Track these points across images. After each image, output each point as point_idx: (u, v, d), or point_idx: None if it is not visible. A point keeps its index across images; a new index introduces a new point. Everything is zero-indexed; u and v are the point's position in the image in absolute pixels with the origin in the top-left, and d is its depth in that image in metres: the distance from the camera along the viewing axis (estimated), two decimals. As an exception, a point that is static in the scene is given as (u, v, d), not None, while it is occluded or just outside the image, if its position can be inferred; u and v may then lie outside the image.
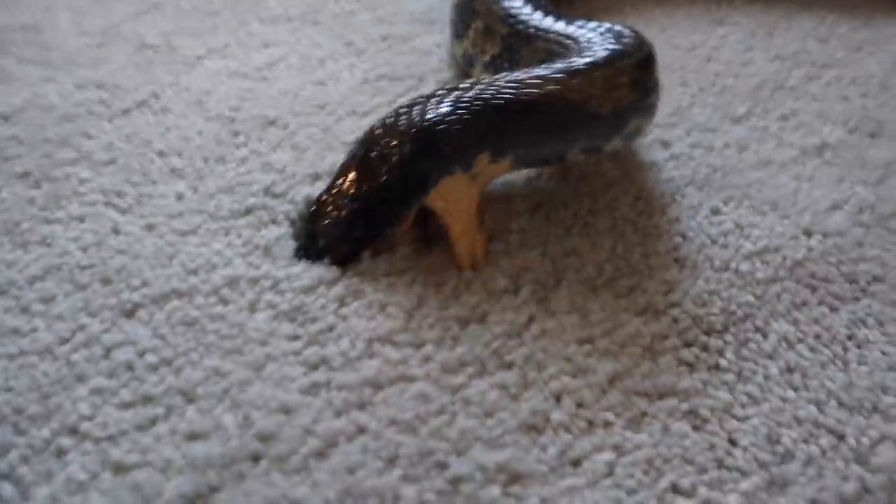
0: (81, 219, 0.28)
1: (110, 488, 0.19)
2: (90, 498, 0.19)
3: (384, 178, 0.25)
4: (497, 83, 0.26)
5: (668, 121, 0.34)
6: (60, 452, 0.20)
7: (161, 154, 0.32)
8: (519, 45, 0.34)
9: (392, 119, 0.26)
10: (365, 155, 0.26)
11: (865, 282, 0.27)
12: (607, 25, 0.33)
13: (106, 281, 0.25)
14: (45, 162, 0.31)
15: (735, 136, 0.34)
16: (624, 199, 0.30)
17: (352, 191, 0.25)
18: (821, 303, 0.26)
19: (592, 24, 0.33)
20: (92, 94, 0.36)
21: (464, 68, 0.39)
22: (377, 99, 0.36)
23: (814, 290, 0.26)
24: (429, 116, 0.25)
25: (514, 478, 0.20)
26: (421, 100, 0.26)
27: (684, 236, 0.28)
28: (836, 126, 0.35)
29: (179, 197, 0.29)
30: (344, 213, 0.25)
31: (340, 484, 0.19)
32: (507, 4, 0.36)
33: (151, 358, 0.23)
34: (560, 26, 0.33)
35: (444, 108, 0.25)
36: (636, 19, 0.44)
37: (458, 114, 0.25)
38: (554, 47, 0.32)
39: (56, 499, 0.19)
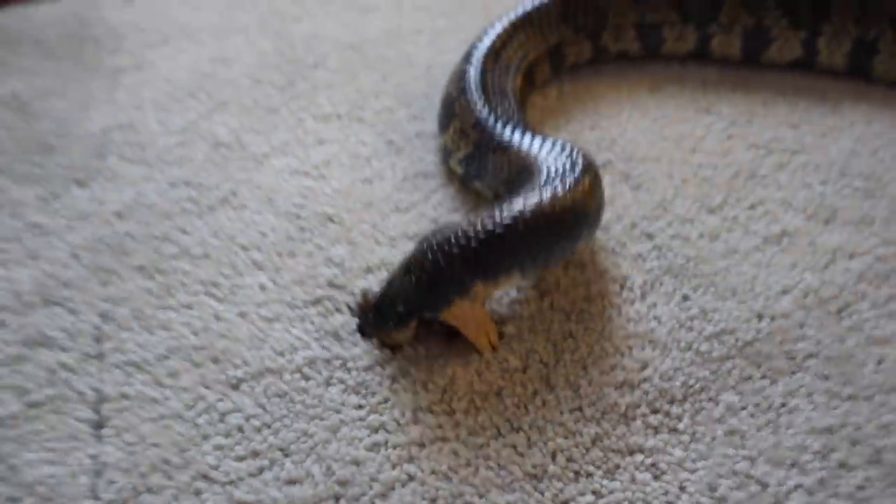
0: (189, 306, 0.37)
1: None
2: None
3: (407, 295, 0.33)
4: (495, 218, 0.34)
5: (654, 213, 0.42)
6: (198, 492, 0.29)
7: (244, 248, 0.41)
8: (487, 151, 0.42)
9: (419, 253, 0.34)
10: (401, 275, 0.34)
11: (801, 358, 0.34)
12: (555, 140, 0.41)
13: (215, 360, 0.34)
14: (155, 256, 0.41)
15: (709, 227, 0.42)
16: (612, 287, 0.38)
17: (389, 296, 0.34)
18: (763, 377, 0.33)
19: (547, 141, 0.41)
20: (182, 191, 0.46)
21: (444, 159, 0.47)
22: (415, 195, 0.44)
23: (758, 366, 0.34)
24: (433, 258, 0.33)
25: None
26: (436, 239, 0.34)
27: (659, 320, 0.36)
28: (797, 213, 0.43)
29: (262, 288, 0.38)
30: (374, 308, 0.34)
31: None
32: (480, 112, 0.44)
33: (255, 422, 0.32)
34: (522, 141, 0.41)
35: (446, 252, 0.33)
36: (632, 111, 0.52)
37: (455, 255, 0.33)
38: (516, 160, 0.40)
39: None
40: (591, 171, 0.38)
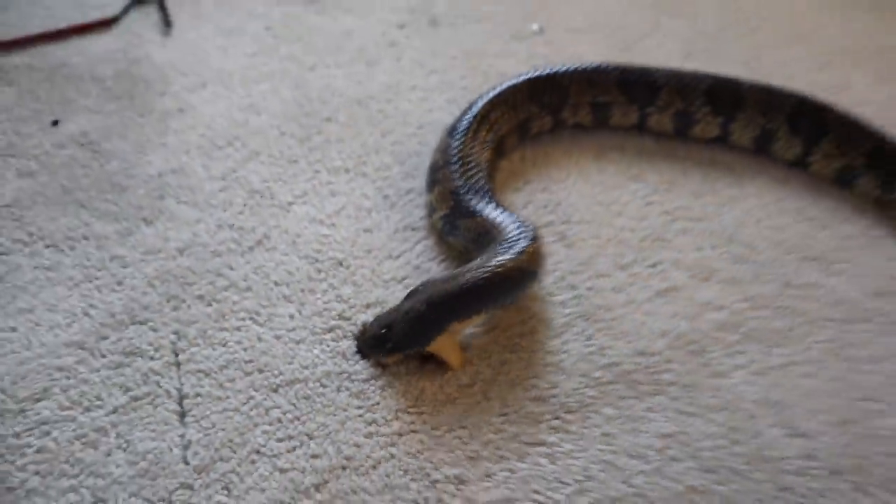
0: (238, 329, 0.53)
1: (280, 483, 0.44)
2: (270, 483, 0.44)
3: (399, 326, 0.48)
4: (467, 276, 0.49)
5: (578, 268, 0.58)
6: (253, 462, 0.45)
7: (276, 284, 0.56)
8: (460, 216, 0.57)
9: (407, 301, 0.49)
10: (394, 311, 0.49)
11: (664, 384, 0.50)
12: (511, 214, 0.56)
13: (260, 370, 0.50)
14: (210, 287, 0.56)
15: (618, 281, 0.57)
16: (539, 327, 0.53)
17: (383, 330, 0.49)
18: (634, 397, 0.49)
19: (505, 213, 0.56)
20: (227, 234, 0.60)
21: (428, 214, 0.62)
22: (404, 245, 0.59)
23: (633, 389, 0.50)
24: (416, 307, 0.48)
25: (462, 481, 0.44)
26: (426, 292, 0.49)
27: (568, 353, 0.51)
28: (684, 272, 0.58)
29: (291, 317, 0.53)
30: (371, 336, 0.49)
31: (385, 483, 0.44)
32: (457, 183, 0.59)
33: (289, 415, 0.47)
34: (487, 212, 0.56)
35: (433, 304, 0.48)
36: (577, 177, 0.67)
37: (439, 305, 0.48)
38: (481, 227, 0.55)
39: (261, 489, 0.44)
40: (536, 241, 0.53)
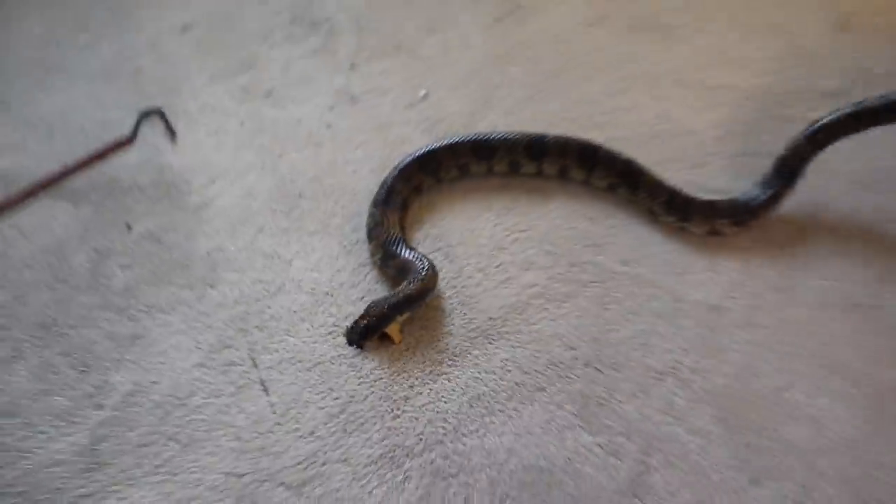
0: (282, 341, 0.98)
1: (313, 414, 0.91)
2: (313, 412, 0.91)
3: (367, 322, 0.95)
4: (403, 292, 0.95)
5: (456, 274, 1.04)
6: (306, 406, 0.92)
7: (294, 312, 1.01)
8: (389, 257, 1.02)
9: (373, 307, 0.95)
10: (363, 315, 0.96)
11: (504, 333, 0.98)
12: (417, 254, 1.01)
13: (299, 361, 0.96)
14: (259, 320, 1.01)
15: (478, 279, 1.04)
16: (436, 313, 1.00)
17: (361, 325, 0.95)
18: (489, 342, 0.97)
19: (414, 252, 1.01)
20: (259, 286, 1.05)
21: (371, 257, 1.06)
22: (360, 277, 1.04)
23: (488, 338, 0.97)
24: (377, 308, 0.94)
25: (406, 398, 0.92)
26: (380, 301, 0.95)
27: (454, 324, 0.99)
28: (516, 267, 1.05)
29: (307, 330, 0.99)
30: (352, 331, 0.96)
31: (371, 405, 0.91)
32: (383, 238, 1.04)
33: (319, 380, 0.94)
34: (404, 254, 1.01)
35: (387, 306, 0.94)
36: (452, 214, 1.11)
37: (391, 306, 0.94)
38: (402, 263, 1.00)
39: (312, 418, 0.91)
40: (433, 269, 0.99)
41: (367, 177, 1.16)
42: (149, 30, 1.40)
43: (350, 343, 0.97)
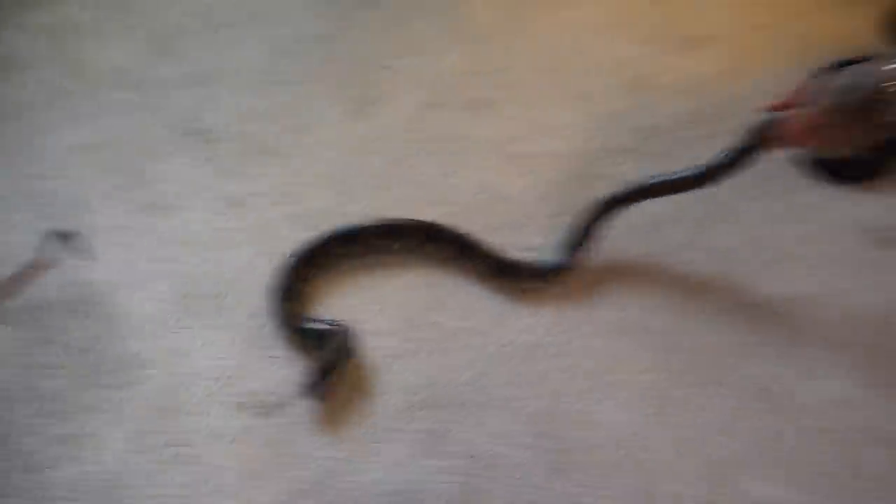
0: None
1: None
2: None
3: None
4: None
5: (368, 335, 1.32)
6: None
7: (214, 380, 1.28)
8: (308, 337, 1.30)
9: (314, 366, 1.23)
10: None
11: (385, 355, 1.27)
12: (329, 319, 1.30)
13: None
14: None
15: (380, 327, 1.33)
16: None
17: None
18: (387, 357, 1.26)
19: (329, 322, 1.30)
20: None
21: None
22: (262, 363, 1.31)
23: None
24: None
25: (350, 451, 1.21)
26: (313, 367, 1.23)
27: (372, 363, 1.28)
28: (391, 336, 1.34)
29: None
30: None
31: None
32: (294, 324, 1.31)
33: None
34: (320, 327, 1.30)
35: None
36: (357, 286, 1.40)
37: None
38: (321, 334, 1.28)
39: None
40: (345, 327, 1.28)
41: (256, 272, 1.42)
42: (54, 153, 1.63)
43: (311, 391, 1.22)
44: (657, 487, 1.15)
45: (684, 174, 1.31)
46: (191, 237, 1.48)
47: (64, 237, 1.47)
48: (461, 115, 1.67)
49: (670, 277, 1.40)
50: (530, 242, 1.44)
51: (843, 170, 1.51)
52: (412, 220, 1.43)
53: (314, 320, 1.32)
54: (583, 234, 1.39)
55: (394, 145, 1.62)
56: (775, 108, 1.20)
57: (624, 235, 1.43)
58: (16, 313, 1.37)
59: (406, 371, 1.29)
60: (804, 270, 1.40)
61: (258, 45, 1.80)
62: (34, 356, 1.31)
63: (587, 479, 1.16)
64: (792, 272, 1.40)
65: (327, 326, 1.30)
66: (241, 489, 1.16)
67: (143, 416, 1.24)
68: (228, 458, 1.19)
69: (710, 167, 1.28)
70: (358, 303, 1.37)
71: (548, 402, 1.25)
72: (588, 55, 1.76)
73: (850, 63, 1.11)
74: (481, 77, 1.74)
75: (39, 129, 1.65)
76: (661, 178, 1.34)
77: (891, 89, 0.99)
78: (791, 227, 1.46)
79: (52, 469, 1.18)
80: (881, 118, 1.00)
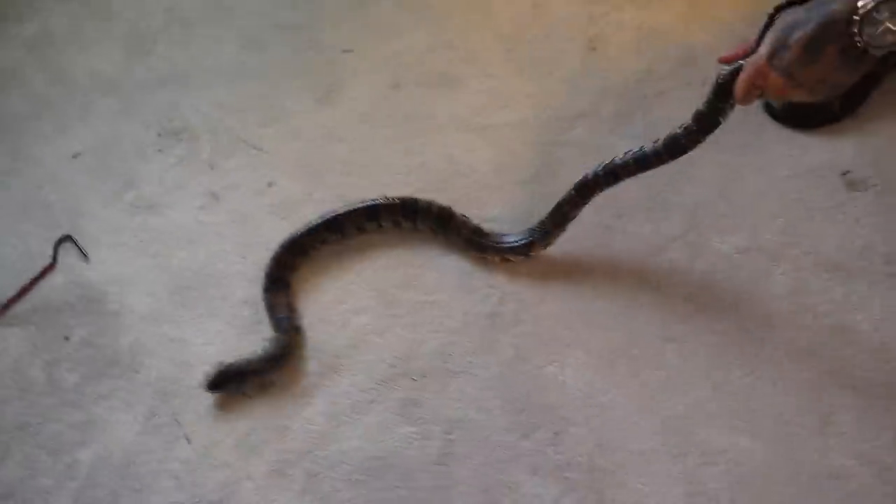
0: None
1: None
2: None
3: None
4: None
5: (319, 326, 1.44)
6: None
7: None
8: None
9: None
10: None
11: (337, 346, 1.40)
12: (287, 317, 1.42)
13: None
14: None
15: (342, 343, 1.44)
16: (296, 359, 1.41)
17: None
18: (322, 370, 1.39)
19: (285, 317, 1.42)
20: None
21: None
22: (252, 346, 1.44)
23: (331, 361, 1.39)
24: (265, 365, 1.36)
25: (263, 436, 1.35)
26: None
27: (311, 405, 1.40)
28: (377, 307, 1.46)
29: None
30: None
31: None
32: (280, 314, 1.44)
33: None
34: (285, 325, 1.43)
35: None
36: (323, 285, 1.51)
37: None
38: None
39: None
40: (294, 333, 1.41)
41: (239, 262, 1.54)
42: (46, 163, 1.75)
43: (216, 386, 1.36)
44: (618, 443, 1.27)
45: (658, 147, 1.23)
46: (178, 233, 1.60)
47: (65, 242, 1.60)
48: (425, 93, 1.74)
49: (632, 238, 1.47)
50: (496, 213, 1.53)
51: (809, 115, 1.53)
52: (391, 199, 1.51)
53: (277, 317, 1.44)
54: (559, 219, 1.42)
55: (361, 129, 1.70)
56: (733, 59, 1.06)
57: (587, 215, 1.45)
58: (27, 316, 1.52)
59: (380, 345, 1.41)
60: (772, 219, 1.45)
61: (229, 39, 1.88)
62: (50, 353, 1.46)
63: (552, 437, 1.28)
64: (759, 221, 1.45)
65: (276, 329, 1.42)
66: (236, 460, 1.31)
67: (149, 401, 1.39)
68: (225, 433, 1.34)
69: (681, 135, 1.19)
70: (338, 283, 1.49)
71: (509, 368, 1.36)
72: (545, 21, 1.80)
73: None
74: (443, 53, 1.79)
75: (30, 141, 1.76)
76: (636, 156, 1.27)
77: (861, 18, 0.83)
78: (759, 176, 1.50)
79: (74, 451, 1.34)
80: (856, 47, 0.85)
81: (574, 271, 1.45)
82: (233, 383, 1.37)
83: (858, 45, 0.83)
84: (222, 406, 1.37)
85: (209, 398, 1.37)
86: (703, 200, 1.48)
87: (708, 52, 1.67)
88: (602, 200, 1.38)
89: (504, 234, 1.48)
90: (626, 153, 1.29)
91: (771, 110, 1.55)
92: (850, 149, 1.50)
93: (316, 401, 1.37)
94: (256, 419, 1.36)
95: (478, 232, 1.48)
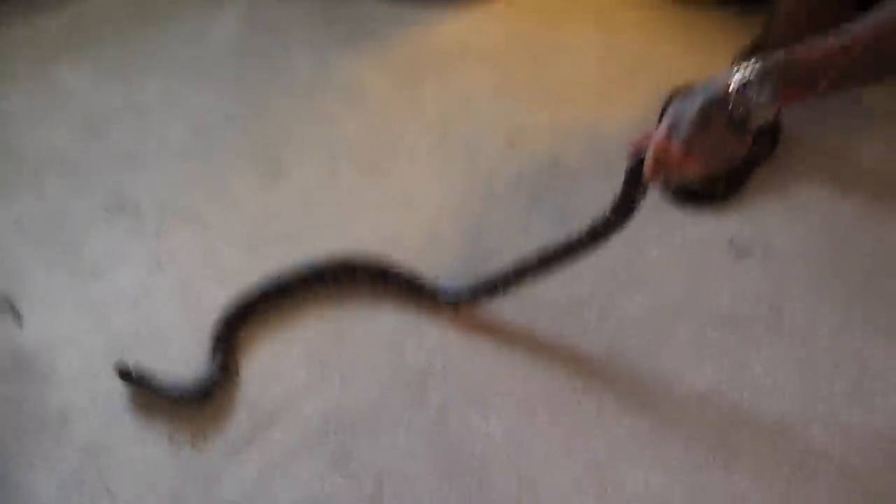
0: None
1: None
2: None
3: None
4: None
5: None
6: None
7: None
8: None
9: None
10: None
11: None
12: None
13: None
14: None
15: (279, 393, 1.50)
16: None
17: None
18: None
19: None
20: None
21: None
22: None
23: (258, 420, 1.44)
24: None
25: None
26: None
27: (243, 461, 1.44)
28: (310, 364, 1.53)
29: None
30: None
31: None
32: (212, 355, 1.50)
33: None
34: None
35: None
36: (269, 338, 1.58)
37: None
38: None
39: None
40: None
41: (180, 326, 1.60)
42: (-9, 229, 1.80)
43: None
44: (542, 486, 1.35)
45: (582, 237, 1.33)
46: (120, 298, 1.65)
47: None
48: (360, 176, 1.90)
49: (548, 301, 1.62)
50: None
51: (699, 197, 1.77)
52: (333, 259, 1.63)
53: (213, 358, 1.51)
54: (490, 287, 1.55)
55: (301, 206, 1.84)
56: (640, 142, 1.17)
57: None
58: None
59: (313, 400, 1.47)
60: (671, 280, 1.64)
61: (179, 126, 2.02)
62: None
63: (478, 482, 1.35)
64: (661, 283, 1.64)
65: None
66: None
67: (74, 460, 1.39)
68: (151, 488, 1.35)
69: (601, 223, 1.29)
70: (273, 339, 1.57)
71: (437, 419, 1.44)
72: (469, 116, 2.03)
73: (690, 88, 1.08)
74: (378, 140, 1.98)
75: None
76: (558, 247, 1.37)
77: (735, 94, 0.99)
78: (657, 245, 1.70)
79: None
80: (737, 119, 1.00)
81: (498, 330, 1.57)
82: (144, 385, 1.46)
83: (737, 117, 1.00)
84: (149, 461, 1.39)
85: (139, 454, 1.39)
86: (610, 266, 1.66)
87: (615, 143, 1.91)
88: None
89: (440, 283, 1.61)
90: (554, 243, 1.40)
91: (667, 194, 1.79)
92: (734, 222, 1.73)
93: (247, 455, 1.40)
94: (185, 473, 1.37)
95: (415, 279, 1.61)
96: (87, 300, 1.65)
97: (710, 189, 1.78)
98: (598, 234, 1.31)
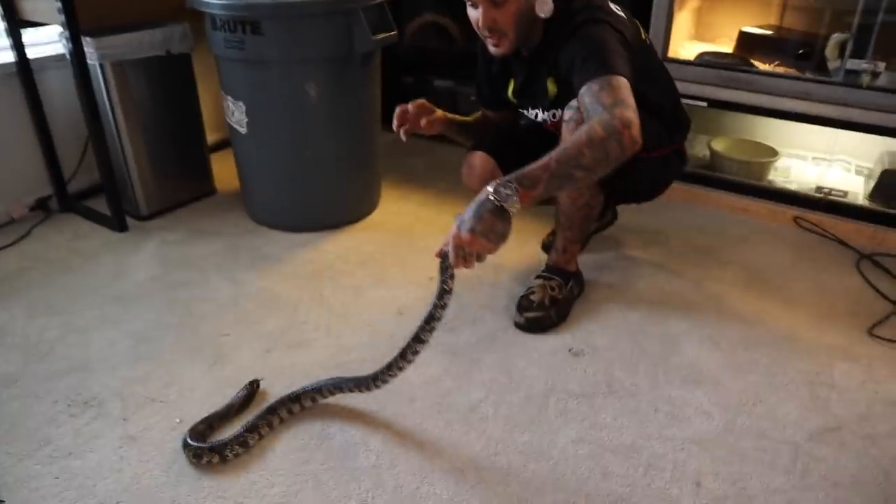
0: None
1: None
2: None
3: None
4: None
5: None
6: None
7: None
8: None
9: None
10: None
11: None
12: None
13: None
14: None
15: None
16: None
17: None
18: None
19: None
20: None
21: None
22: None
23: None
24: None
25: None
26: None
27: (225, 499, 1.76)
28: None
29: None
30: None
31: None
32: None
33: None
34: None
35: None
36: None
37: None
38: None
39: None
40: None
41: (164, 476, 1.89)
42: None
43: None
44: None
45: (423, 321, 1.93)
46: (99, 470, 1.91)
47: (-22, 497, 1.79)
48: (288, 354, 2.42)
49: (445, 406, 2.18)
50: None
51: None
52: (285, 397, 2.08)
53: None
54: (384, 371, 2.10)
55: (243, 382, 2.29)
56: (442, 249, 1.76)
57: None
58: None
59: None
60: (536, 379, 2.29)
61: (122, 339, 2.43)
62: None
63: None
64: (529, 383, 2.28)
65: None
66: None
67: None
68: None
69: (432, 307, 1.89)
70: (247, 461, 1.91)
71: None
72: (363, 302, 2.70)
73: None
74: (294, 328, 2.55)
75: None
76: (416, 330, 1.96)
77: (493, 193, 1.64)
78: (522, 359, 2.39)
79: None
80: (497, 209, 1.63)
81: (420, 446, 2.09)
82: None
83: (497, 207, 1.62)
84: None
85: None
86: (495, 376, 2.31)
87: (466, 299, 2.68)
88: (398, 407, 2.13)
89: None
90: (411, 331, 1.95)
91: (520, 326, 2.54)
92: (569, 336, 2.52)
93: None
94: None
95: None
96: (66, 477, 1.88)
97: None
98: (432, 316, 1.85)
